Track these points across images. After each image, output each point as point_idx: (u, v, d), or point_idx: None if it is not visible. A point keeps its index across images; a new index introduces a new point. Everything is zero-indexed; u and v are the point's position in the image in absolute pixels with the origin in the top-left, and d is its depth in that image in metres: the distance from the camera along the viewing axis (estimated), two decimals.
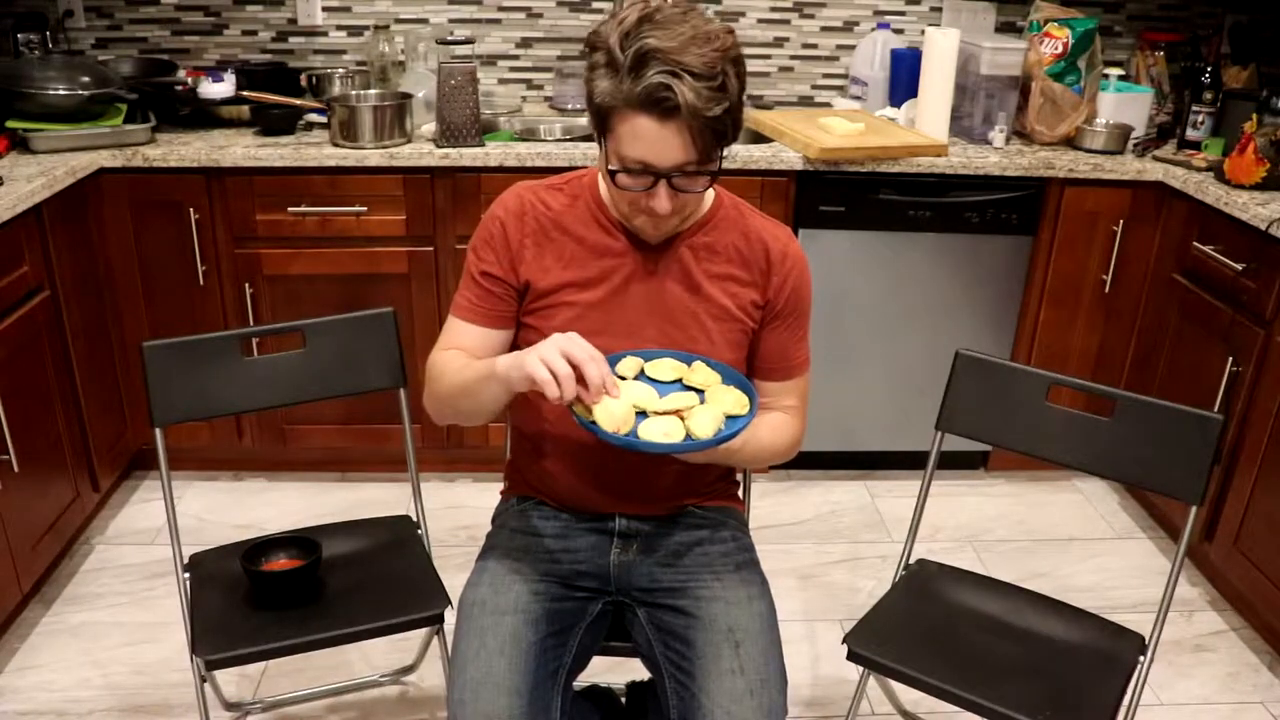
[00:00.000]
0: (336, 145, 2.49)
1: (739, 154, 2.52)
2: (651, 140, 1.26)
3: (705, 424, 1.28)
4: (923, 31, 2.80)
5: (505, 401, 1.36)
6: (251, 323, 2.58)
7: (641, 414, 1.29)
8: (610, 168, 1.32)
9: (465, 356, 1.43)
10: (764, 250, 1.47)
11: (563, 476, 1.50)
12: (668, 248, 1.45)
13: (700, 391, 1.36)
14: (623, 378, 1.34)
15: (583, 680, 1.62)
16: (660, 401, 1.31)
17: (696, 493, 1.55)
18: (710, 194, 1.48)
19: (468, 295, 1.46)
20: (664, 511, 1.53)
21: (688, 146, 1.26)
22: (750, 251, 1.47)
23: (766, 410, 1.49)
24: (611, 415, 1.25)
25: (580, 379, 1.22)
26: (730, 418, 1.31)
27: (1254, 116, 2.42)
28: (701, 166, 1.29)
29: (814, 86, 3.16)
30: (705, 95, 1.22)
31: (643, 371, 1.38)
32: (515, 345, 1.49)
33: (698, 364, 1.39)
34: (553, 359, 1.21)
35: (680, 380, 1.37)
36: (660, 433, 1.27)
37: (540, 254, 1.44)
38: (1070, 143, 2.74)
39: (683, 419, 1.29)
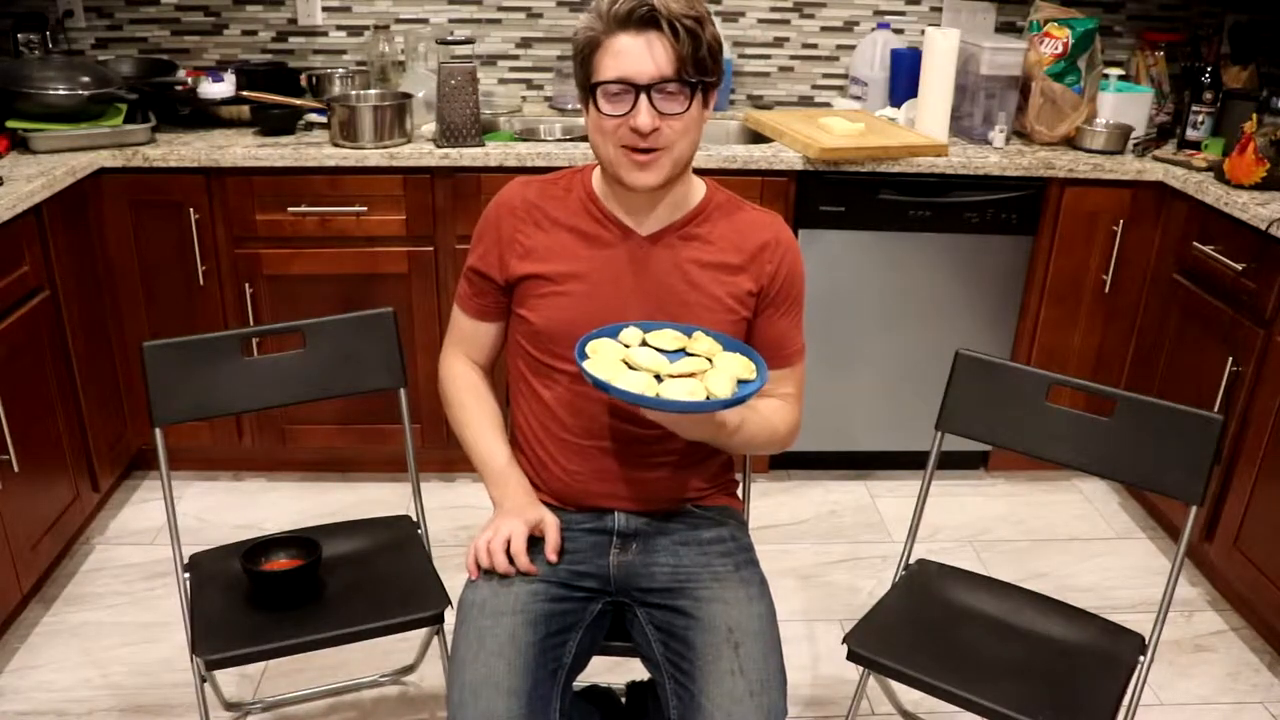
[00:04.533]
0: (336, 145, 2.49)
1: (739, 154, 2.52)
2: (632, 54, 1.31)
3: (722, 384, 1.29)
4: (923, 31, 2.80)
5: None
6: (251, 323, 2.58)
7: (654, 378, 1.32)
8: (593, 102, 1.35)
9: (472, 391, 1.57)
10: (755, 238, 1.49)
11: (562, 467, 1.51)
12: (659, 239, 1.46)
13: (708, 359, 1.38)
14: (626, 345, 1.37)
15: (583, 680, 1.62)
16: (674, 366, 1.34)
17: (695, 485, 1.55)
18: (701, 186, 1.51)
19: (463, 287, 1.56)
20: (663, 509, 1.53)
21: (667, 55, 1.31)
22: (741, 240, 1.48)
23: (765, 396, 1.50)
24: (629, 381, 1.28)
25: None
26: (741, 382, 1.33)
27: (1254, 116, 2.42)
28: (681, 82, 1.32)
29: (814, 86, 3.16)
30: (683, 2, 1.31)
31: (644, 342, 1.40)
32: (509, 334, 1.56)
33: (698, 334, 1.41)
34: (489, 548, 1.42)
35: (684, 350, 1.39)
36: (684, 392, 1.28)
37: (532, 245, 1.47)
38: (1070, 143, 2.74)
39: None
